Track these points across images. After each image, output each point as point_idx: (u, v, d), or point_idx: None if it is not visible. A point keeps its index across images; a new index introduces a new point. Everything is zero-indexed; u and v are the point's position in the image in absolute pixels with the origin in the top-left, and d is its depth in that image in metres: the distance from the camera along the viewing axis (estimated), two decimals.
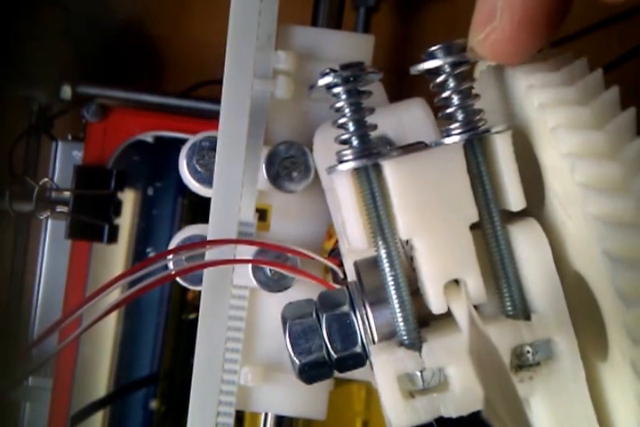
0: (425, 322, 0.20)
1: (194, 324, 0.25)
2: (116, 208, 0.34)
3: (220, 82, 0.25)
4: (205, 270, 0.26)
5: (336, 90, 0.19)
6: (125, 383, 0.36)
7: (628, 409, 0.19)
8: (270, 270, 0.27)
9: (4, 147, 0.34)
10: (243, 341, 0.27)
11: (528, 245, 0.20)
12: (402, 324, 0.19)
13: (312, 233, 0.28)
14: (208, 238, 0.25)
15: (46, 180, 0.33)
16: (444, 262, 0.19)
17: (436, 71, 0.20)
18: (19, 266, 0.36)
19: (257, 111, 0.26)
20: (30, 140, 0.35)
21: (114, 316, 0.36)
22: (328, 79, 0.19)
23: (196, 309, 0.26)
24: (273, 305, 0.28)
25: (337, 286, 0.24)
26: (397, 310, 0.20)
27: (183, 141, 0.28)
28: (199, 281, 0.26)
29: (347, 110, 0.19)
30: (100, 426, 0.35)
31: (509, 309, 0.20)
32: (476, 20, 0.19)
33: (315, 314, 0.21)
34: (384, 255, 0.20)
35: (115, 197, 0.33)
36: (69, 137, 0.35)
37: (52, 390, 0.33)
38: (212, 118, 0.27)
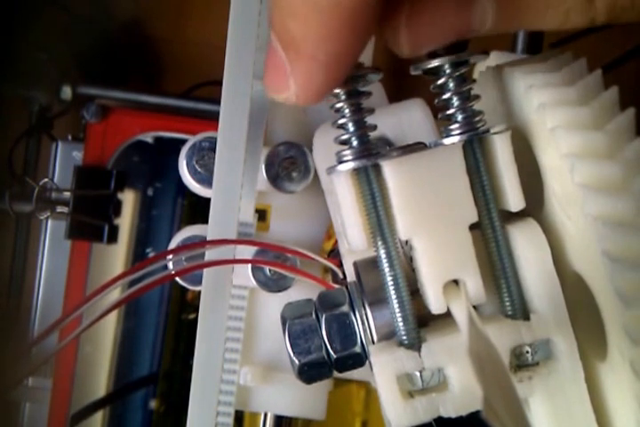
0: (424, 322, 0.20)
1: (194, 324, 0.26)
2: (116, 208, 0.34)
3: (220, 82, 0.25)
4: (205, 271, 0.26)
5: (336, 90, 0.19)
6: (125, 383, 0.36)
7: (627, 409, 0.19)
8: (270, 271, 0.27)
9: (4, 147, 0.34)
10: (242, 341, 0.27)
11: (527, 246, 0.20)
12: (401, 324, 0.19)
13: (311, 233, 0.28)
14: (208, 239, 0.25)
15: (46, 180, 0.33)
16: (443, 263, 0.19)
17: (436, 72, 0.20)
18: (19, 266, 0.36)
19: (256, 112, 0.26)
20: (30, 141, 0.36)
21: (114, 316, 0.36)
22: None
23: (196, 309, 0.26)
24: (272, 305, 0.28)
25: (336, 287, 0.24)
26: (397, 311, 0.20)
27: (183, 142, 0.28)
28: (199, 281, 0.26)
29: (346, 111, 0.19)
30: (99, 426, 0.35)
31: (508, 309, 0.20)
32: (270, 85, 0.18)
33: (314, 314, 0.21)
34: (383, 256, 0.20)
35: (114, 197, 0.33)
36: (69, 137, 0.35)
37: (51, 390, 0.33)
38: (212, 119, 0.27)
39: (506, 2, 0.18)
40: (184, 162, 0.28)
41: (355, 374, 0.22)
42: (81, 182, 0.33)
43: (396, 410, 0.19)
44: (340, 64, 0.17)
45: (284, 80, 0.17)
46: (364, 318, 0.20)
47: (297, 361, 0.20)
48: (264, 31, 0.27)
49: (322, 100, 0.18)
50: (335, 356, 0.20)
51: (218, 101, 0.25)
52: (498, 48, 0.29)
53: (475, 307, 0.20)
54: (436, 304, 0.19)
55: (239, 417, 0.31)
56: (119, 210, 0.34)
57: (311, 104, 0.18)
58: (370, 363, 0.20)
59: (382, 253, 0.20)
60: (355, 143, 0.19)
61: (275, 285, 0.27)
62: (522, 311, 0.20)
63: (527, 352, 0.20)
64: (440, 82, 0.20)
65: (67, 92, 0.33)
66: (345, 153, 0.19)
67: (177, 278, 0.27)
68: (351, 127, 0.20)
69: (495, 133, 0.20)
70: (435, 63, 0.19)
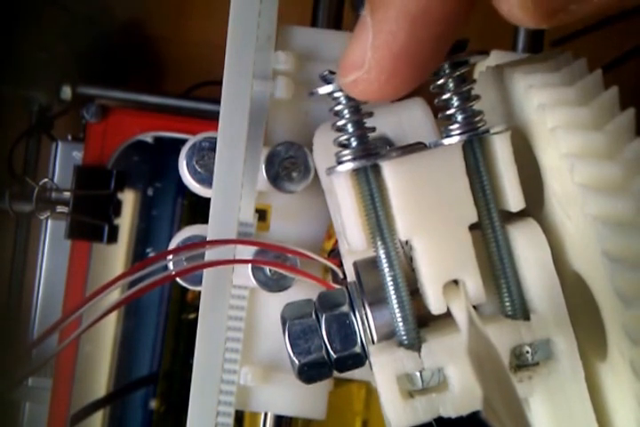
0: (424, 322, 0.20)
1: (194, 324, 0.26)
2: (116, 208, 0.34)
3: (220, 82, 0.25)
4: (205, 271, 0.26)
5: (337, 95, 0.19)
6: (125, 383, 0.36)
7: (627, 409, 0.19)
8: (270, 270, 0.27)
9: (4, 147, 0.34)
10: (242, 341, 0.27)
11: (527, 246, 0.20)
12: (401, 324, 0.20)
13: (312, 233, 0.28)
14: (208, 239, 0.25)
15: (46, 180, 0.33)
16: (443, 263, 0.19)
17: (436, 72, 0.20)
18: (19, 266, 0.36)
19: (256, 112, 0.26)
20: (30, 141, 0.36)
21: (114, 316, 0.36)
22: (330, 88, 0.19)
23: (196, 309, 0.26)
24: (273, 305, 0.28)
25: (336, 287, 0.24)
26: (396, 311, 0.20)
27: (183, 142, 0.28)
28: (199, 281, 0.26)
29: (346, 112, 0.20)
30: (99, 426, 0.35)
31: (508, 309, 0.20)
32: (345, 63, 0.18)
33: (314, 314, 0.21)
34: (383, 256, 0.20)
35: (114, 197, 0.33)
36: (69, 137, 0.35)
37: (51, 390, 0.33)
38: (212, 119, 0.27)
39: None
40: (184, 162, 0.28)
41: (355, 373, 0.22)
42: (81, 182, 0.33)
43: (396, 410, 0.19)
44: (428, 20, 0.16)
45: (361, 50, 0.17)
46: (364, 318, 0.20)
47: (297, 361, 0.20)
48: (264, 32, 0.27)
49: (393, 84, 0.17)
50: (335, 356, 0.20)
51: (218, 101, 0.25)
52: (498, 48, 0.29)
53: (475, 307, 0.20)
54: (435, 304, 0.19)
55: (239, 417, 0.31)
56: (119, 210, 0.34)
57: (381, 84, 0.17)
58: (370, 363, 0.20)
59: (382, 253, 0.20)
60: (354, 144, 0.19)
61: (275, 285, 0.27)
62: (522, 311, 0.20)
63: (527, 352, 0.20)
64: (440, 82, 0.20)
65: (67, 92, 0.33)
66: (344, 153, 0.19)
67: (177, 279, 0.27)
68: (350, 128, 0.20)
69: (495, 133, 0.20)
70: None
